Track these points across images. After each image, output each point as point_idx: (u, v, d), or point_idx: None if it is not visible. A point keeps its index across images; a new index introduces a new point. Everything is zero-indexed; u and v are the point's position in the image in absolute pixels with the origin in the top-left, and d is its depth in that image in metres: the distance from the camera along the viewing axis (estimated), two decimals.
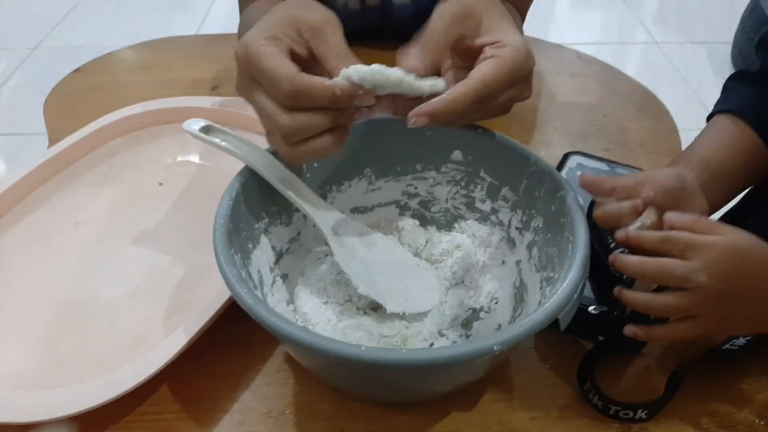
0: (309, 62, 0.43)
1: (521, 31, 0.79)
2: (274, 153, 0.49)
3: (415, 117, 0.41)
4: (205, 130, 0.49)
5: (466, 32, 0.44)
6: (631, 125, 0.78)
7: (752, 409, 0.48)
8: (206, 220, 0.45)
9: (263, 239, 0.49)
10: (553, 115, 0.79)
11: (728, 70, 2.08)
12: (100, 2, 2.54)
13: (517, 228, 0.52)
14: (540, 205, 0.49)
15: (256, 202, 0.49)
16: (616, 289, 0.45)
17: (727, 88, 0.65)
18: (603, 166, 0.67)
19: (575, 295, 0.39)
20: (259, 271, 0.48)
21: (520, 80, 0.43)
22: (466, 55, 0.45)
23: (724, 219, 0.76)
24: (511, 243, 0.53)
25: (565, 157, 0.68)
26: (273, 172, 0.48)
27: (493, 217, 0.55)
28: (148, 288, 0.55)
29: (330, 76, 0.41)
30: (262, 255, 0.49)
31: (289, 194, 0.48)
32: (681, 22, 2.39)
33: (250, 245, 0.47)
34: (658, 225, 0.44)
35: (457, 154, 0.54)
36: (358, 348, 0.35)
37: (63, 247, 0.59)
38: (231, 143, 0.48)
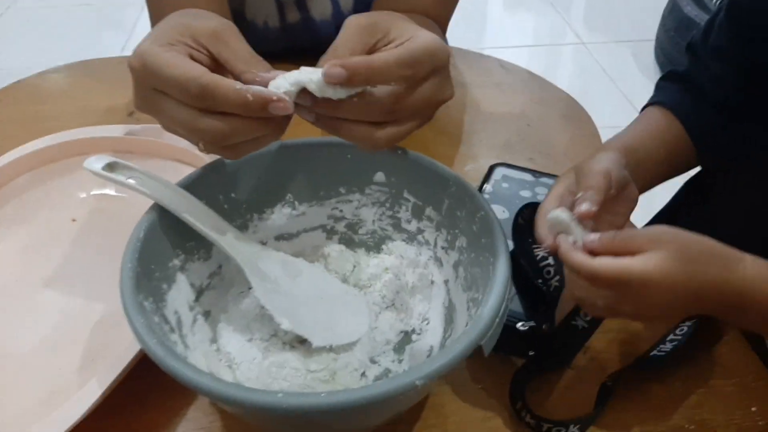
0: (212, 70, 0.40)
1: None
2: (186, 186, 0.47)
3: (329, 66, 0.37)
4: (110, 167, 0.46)
5: (375, 40, 0.43)
6: (555, 134, 0.79)
7: (683, 414, 0.48)
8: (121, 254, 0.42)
9: (180, 277, 0.47)
10: (479, 127, 0.79)
11: (653, 68, 2.16)
12: (21, 21, 2.43)
13: (443, 247, 0.52)
14: (462, 225, 0.49)
15: (169, 239, 0.46)
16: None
17: (659, 86, 0.67)
18: (528, 177, 0.67)
19: (497, 320, 0.39)
20: (176, 312, 0.45)
21: (438, 69, 0.41)
22: None
23: (654, 221, 0.78)
24: (439, 262, 0.53)
25: (491, 169, 0.68)
26: (184, 207, 0.46)
27: (419, 237, 0.54)
28: (60, 337, 0.52)
29: (240, 81, 0.39)
30: (179, 295, 0.47)
31: (203, 229, 0.46)
32: (606, 22, 2.47)
33: (165, 286, 0.45)
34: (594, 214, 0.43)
35: (379, 176, 0.53)
36: (274, 396, 0.33)
37: None
38: (137, 180, 0.45)
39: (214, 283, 0.51)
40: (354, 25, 0.42)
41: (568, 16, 2.52)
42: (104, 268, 0.57)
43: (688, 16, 1.95)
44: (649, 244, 0.40)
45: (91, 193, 0.65)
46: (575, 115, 0.83)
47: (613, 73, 2.14)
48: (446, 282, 0.51)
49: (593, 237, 0.41)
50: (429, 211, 0.52)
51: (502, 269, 0.42)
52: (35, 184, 0.64)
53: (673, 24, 2.04)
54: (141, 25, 2.38)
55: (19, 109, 0.81)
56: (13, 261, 0.58)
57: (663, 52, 2.11)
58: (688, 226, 0.44)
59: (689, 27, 1.94)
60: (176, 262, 0.47)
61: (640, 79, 2.13)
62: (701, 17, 1.92)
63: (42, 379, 0.48)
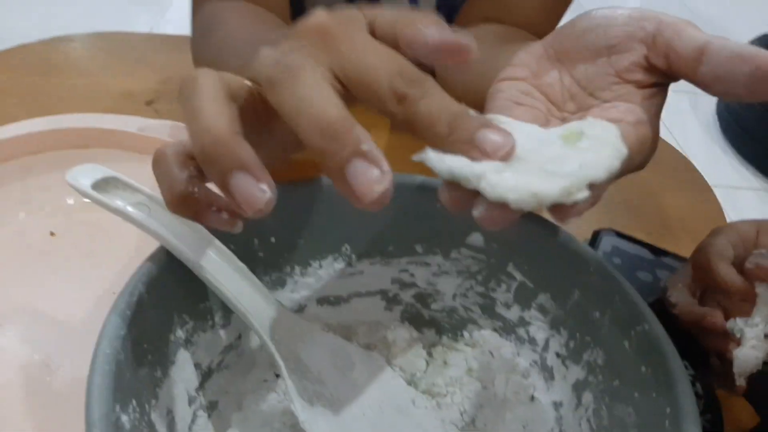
0: None
1: None
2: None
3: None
4: (105, 184, 0.31)
5: None
6: (666, 198, 0.64)
7: None
8: (113, 295, 0.28)
9: (181, 356, 0.32)
10: None
11: (713, 122, 2.02)
12: None
13: (558, 354, 0.37)
14: (603, 333, 0.34)
15: (174, 301, 0.31)
16: None
17: None
18: (646, 253, 0.52)
19: None
20: (169, 413, 0.30)
21: None
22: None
23: None
24: (547, 373, 0.37)
25: (597, 235, 0.53)
26: (207, 260, 0.31)
27: (521, 331, 0.39)
28: (3, 410, 0.37)
29: None
30: (178, 383, 0.32)
31: (232, 301, 0.31)
32: None
33: (159, 373, 0.30)
34: None
35: (476, 238, 0.38)
36: None
37: None
38: (142, 210, 0.30)
39: (228, 361, 0.36)
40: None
41: None
42: (83, 309, 0.42)
43: None
44: None
45: (83, 199, 0.50)
46: (687, 177, 0.68)
47: (669, 123, 1.99)
48: (557, 405, 0.36)
49: None
50: (543, 298, 0.37)
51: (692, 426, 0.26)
52: (12, 177, 0.49)
53: None
54: (177, 2, 2.25)
55: (16, 80, 0.66)
56: None
57: (726, 106, 1.96)
58: None
59: None
60: (180, 333, 0.32)
61: (698, 132, 1.98)
62: None
63: None
